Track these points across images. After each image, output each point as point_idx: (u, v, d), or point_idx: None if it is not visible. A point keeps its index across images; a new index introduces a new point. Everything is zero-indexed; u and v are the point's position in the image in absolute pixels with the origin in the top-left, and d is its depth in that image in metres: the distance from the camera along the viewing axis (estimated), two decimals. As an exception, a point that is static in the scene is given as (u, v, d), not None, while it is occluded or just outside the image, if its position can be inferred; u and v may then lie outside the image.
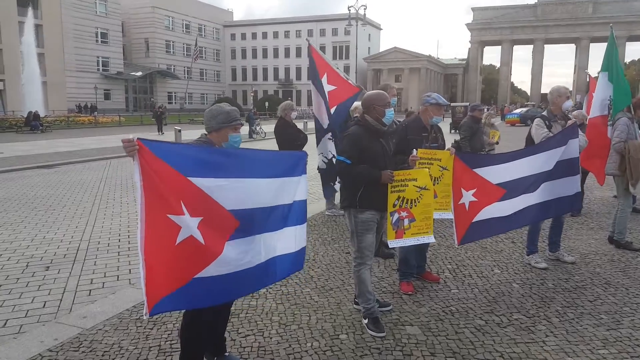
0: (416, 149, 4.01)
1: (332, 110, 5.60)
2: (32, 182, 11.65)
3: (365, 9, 40.54)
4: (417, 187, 3.76)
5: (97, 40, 58.10)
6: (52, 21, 49.78)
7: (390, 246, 3.92)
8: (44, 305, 4.44)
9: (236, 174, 2.82)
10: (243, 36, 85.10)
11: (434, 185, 4.05)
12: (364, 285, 3.81)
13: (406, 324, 3.85)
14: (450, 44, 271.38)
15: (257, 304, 4.25)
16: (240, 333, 3.72)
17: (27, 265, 5.54)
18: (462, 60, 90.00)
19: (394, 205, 3.76)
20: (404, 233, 3.82)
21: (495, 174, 4.36)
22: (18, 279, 5.12)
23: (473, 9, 79.87)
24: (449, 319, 3.94)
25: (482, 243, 6.04)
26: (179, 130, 22.61)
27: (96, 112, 46.22)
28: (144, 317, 2.43)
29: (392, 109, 3.85)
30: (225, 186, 2.74)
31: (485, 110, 9.36)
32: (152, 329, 3.76)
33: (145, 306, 2.43)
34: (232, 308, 4.07)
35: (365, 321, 3.78)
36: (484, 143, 7.97)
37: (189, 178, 2.59)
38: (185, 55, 72.15)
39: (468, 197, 4.29)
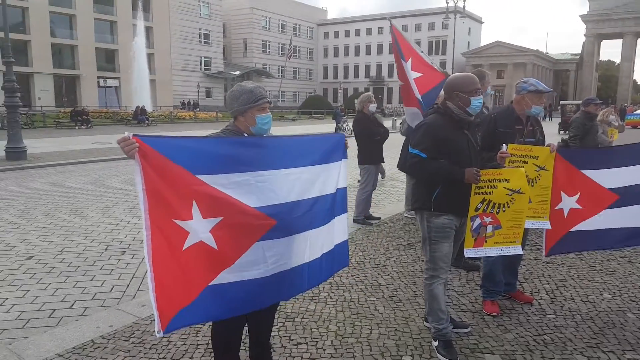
0: (506, 144, 3.41)
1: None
2: (131, 170, 12.33)
3: (465, 0, 38.66)
4: (508, 189, 3.16)
5: (200, 41, 61.39)
6: (161, 23, 53.52)
7: (466, 255, 3.35)
8: (112, 289, 4.47)
9: (263, 165, 2.48)
10: (336, 34, 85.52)
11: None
12: (435, 302, 3.29)
13: (486, 352, 3.27)
14: (562, 38, 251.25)
15: (315, 308, 3.90)
16: (292, 340, 3.39)
17: (106, 249, 5.69)
18: (576, 55, 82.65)
19: (477, 209, 3.19)
20: (485, 241, 3.24)
21: (612, 177, 3.63)
22: (95, 261, 5.24)
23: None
24: (541, 350, 3.29)
25: (590, 260, 5.20)
26: (269, 127, 23.04)
27: (198, 109, 48.88)
28: (157, 335, 2.19)
29: (481, 97, 3.26)
30: (247, 181, 2.42)
31: (603, 106, 8.14)
32: (203, 324, 3.55)
33: (157, 322, 2.16)
34: (289, 310, 3.80)
35: (435, 343, 3.26)
36: (597, 144, 6.92)
37: (199, 176, 2.30)
38: (280, 55, 74.01)
39: (569, 203, 3.63)
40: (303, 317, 3.74)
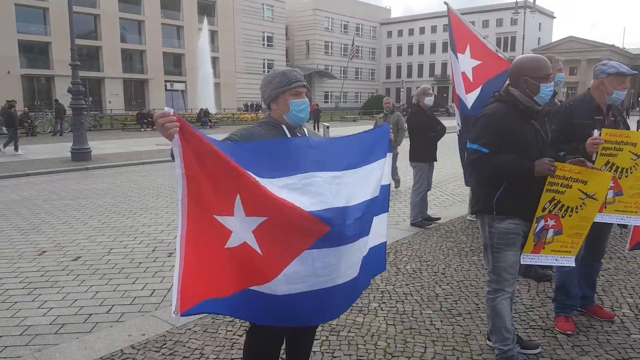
0: (598, 130, 2.94)
1: (477, 92, 4.50)
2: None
3: (534, -6, 36.67)
4: (582, 192, 2.70)
5: (263, 44, 62.34)
6: (226, 27, 54.90)
7: (522, 261, 2.88)
8: (152, 293, 4.32)
9: (311, 167, 2.19)
10: (400, 33, 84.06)
11: (620, 178, 3.04)
12: (499, 320, 2.84)
13: (559, 380, 2.77)
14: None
15: (363, 321, 3.53)
16: (335, 356, 3.04)
17: (153, 250, 5.61)
18: (656, 49, 76.88)
19: (544, 209, 2.75)
20: (543, 247, 2.83)
21: None
22: (140, 263, 5.15)
23: (673, -12, 67.41)
24: (627, 381, 2.74)
25: None
26: (327, 127, 22.78)
27: (260, 111, 49.69)
28: (173, 315, 1.95)
29: (552, 84, 2.77)
30: (296, 184, 2.13)
31: None
32: (241, 335, 3.30)
33: (177, 303, 1.90)
34: (334, 323, 3.46)
35: (499, 367, 2.81)
36: None
37: (248, 171, 2.02)
38: (342, 55, 73.74)
39: None
40: (349, 331, 3.38)
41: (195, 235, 1.97)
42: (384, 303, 3.85)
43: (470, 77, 4.52)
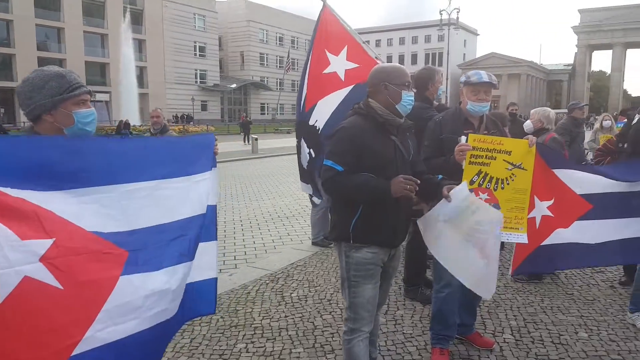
0: (466, 136, 2.80)
1: (346, 90, 4.12)
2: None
3: (458, 12, 38.36)
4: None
5: (195, 54, 60.95)
6: (154, 36, 53.12)
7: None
8: None
9: (93, 179, 1.72)
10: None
11: (496, 190, 2.85)
12: (354, 364, 2.53)
13: None
14: (555, 49, 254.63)
15: (220, 367, 3.12)
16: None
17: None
18: (568, 65, 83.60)
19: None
20: None
21: (582, 181, 3.07)
22: None
23: (580, 11, 73.71)
24: None
25: (567, 287, 4.51)
26: (256, 139, 22.44)
27: (192, 122, 48.30)
28: None
29: (412, 93, 2.55)
30: (80, 200, 1.66)
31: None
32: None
33: None
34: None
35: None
36: (583, 151, 6.28)
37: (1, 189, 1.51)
38: (278, 67, 73.65)
39: (541, 209, 3.03)
40: (201, 379, 2.96)
41: None
42: (252, 343, 3.46)
43: (342, 77, 4.19)
